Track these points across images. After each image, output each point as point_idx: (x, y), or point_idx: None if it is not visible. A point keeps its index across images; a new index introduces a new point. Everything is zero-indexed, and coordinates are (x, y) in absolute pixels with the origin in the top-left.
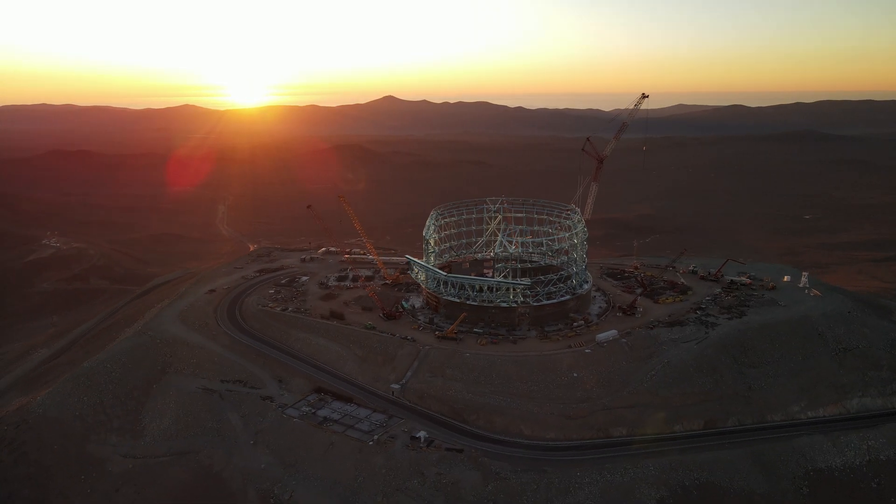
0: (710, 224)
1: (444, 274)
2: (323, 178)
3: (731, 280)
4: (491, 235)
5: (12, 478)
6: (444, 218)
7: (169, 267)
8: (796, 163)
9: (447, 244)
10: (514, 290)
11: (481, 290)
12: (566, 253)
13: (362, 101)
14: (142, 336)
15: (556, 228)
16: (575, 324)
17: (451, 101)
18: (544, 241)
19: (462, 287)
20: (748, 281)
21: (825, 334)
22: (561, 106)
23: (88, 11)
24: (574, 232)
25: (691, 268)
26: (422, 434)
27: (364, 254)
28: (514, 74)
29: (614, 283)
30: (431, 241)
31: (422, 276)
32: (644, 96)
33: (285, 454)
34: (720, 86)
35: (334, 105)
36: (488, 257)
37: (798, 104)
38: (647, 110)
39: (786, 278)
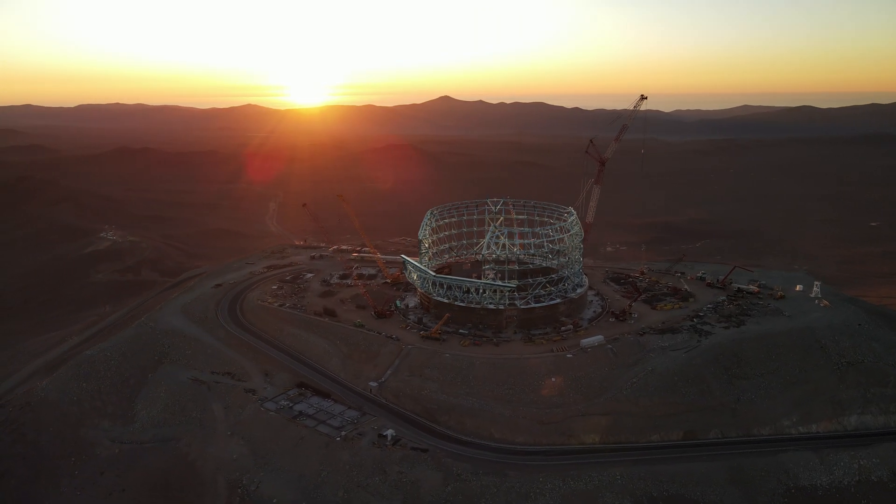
0: (766, 229)
1: (434, 274)
2: (373, 178)
3: (738, 288)
4: (505, 237)
5: (8, 456)
6: (440, 220)
7: (215, 261)
8: (867, 167)
9: (446, 245)
10: (500, 292)
11: (468, 291)
12: (563, 255)
13: (419, 101)
14: (143, 327)
15: (552, 230)
16: (563, 328)
17: (508, 102)
18: (532, 244)
19: (450, 288)
20: (756, 289)
21: (828, 347)
22: (619, 106)
23: (161, 14)
24: (570, 234)
25: (699, 274)
26: (389, 432)
27: (373, 252)
28: (571, 74)
29: (615, 288)
30: (426, 242)
31: (414, 276)
32: (643, 98)
33: (258, 446)
34: (789, 86)
35: (391, 105)
36: (490, 258)
37: (873, 105)
38: (699, 111)
39: (798, 287)
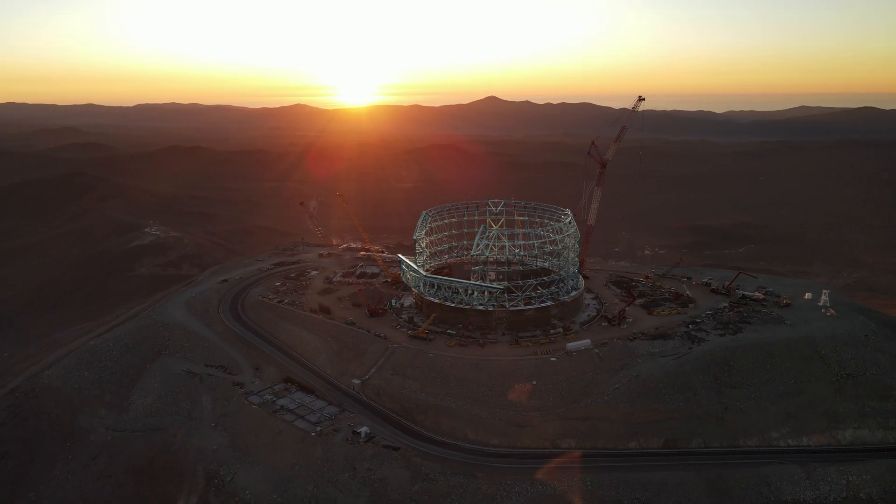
0: (815, 235)
1: (424, 274)
2: (413, 177)
3: (743, 295)
4: (494, 239)
5: (10, 439)
6: (435, 221)
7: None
8: None
9: (446, 245)
10: (488, 293)
11: (456, 291)
12: (558, 256)
13: (465, 101)
14: (147, 319)
15: (546, 231)
16: (552, 331)
17: (554, 103)
18: (523, 245)
19: (441, 288)
20: (761, 296)
21: (828, 357)
22: (668, 107)
23: (217, 16)
24: (566, 235)
25: (705, 280)
26: (363, 430)
27: (382, 251)
28: (619, 74)
29: (616, 292)
30: (423, 243)
31: (409, 276)
32: (640, 99)
33: (238, 438)
34: (851, 86)
35: (437, 105)
36: (490, 260)
37: None
38: (754, 112)
39: (807, 296)
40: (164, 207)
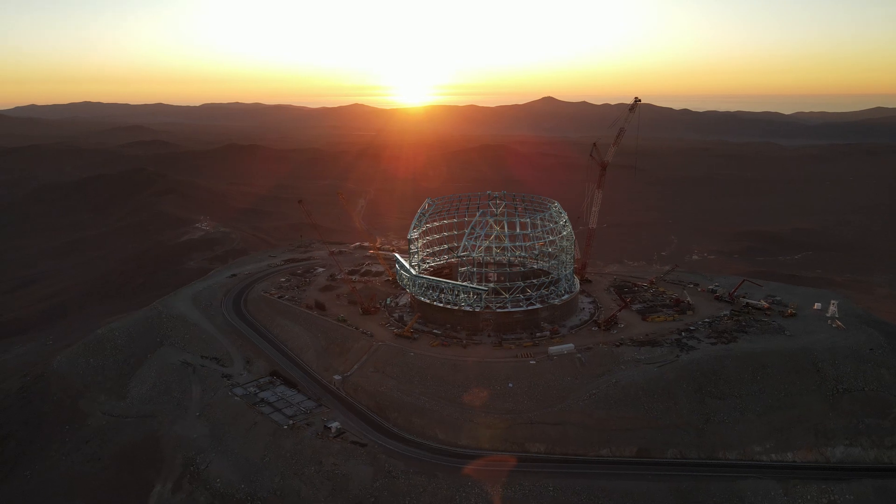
0: (883, 243)
1: (414, 274)
2: (462, 177)
3: (747, 303)
4: (494, 240)
5: (14, 420)
6: (433, 221)
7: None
8: None
9: (446, 245)
10: (473, 294)
11: (443, 291)
12: (553, 256)
13: (521, 101)
14: (153, 310)
15: (543, 231)
16: (538, 334)
17: (612, 103)
18: (508, 246)
19: (429, 288)
20: (766, 305)
21: (824, 371)
22: (733, 108)
23: (280, 18)
24: (561, 235)
25: (711, 287)
26: (334, 425)
27: (392, 250)
28: (680, 74)
29: (616, 298)
30: (419, 242)
31: (401, 275)
32: (637, 100)
33: (217, 428)
34: None
35: (493, 105)
36: (490, 260)
37: None
38: (824, 113)
39: (816, 306)
40: (216, 203)
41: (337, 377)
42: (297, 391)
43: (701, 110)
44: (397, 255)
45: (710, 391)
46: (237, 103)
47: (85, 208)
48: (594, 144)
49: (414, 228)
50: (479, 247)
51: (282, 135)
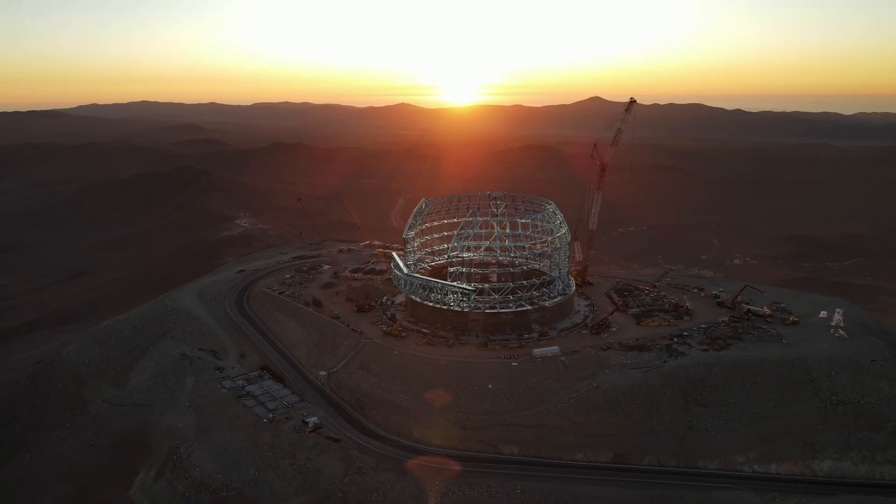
0: None
1: (405, 273)
2: (504, 176)
3: (748, 309)
4: (495, 240)
5: (21, 405)
6: (427, 221)
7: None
8: None
9: (445, 245)
10: (461, 294)
11: (431, 291)
12: (548, 257)
13: (567, 101)
14: (159, 303)
15: (535, 232)
16: (526, 335)
17: (661, 103)
18: (497, 246)
19: (420, 287)
20: (768, 312)
21: (818, 381)
22: (789, 108)
23: (329, 19)
24: (555, 236)
25: (714, 292)
26: (312, 419)
27: (399, 250)
28: (733, 73)
29: (617, 300)
30: (415, 242)
31: (395, 274)
32: (632, 101)
33: (203, 419)
34: None
35: (539, 105)
36: (491, 261)
37: None
38: (888, 114)
39: (822, 314)
40: (257, 200)
41: (322, 373)
42: (284, 386)
43: (755, 111)
44: (395, 253)
45: (695, 398)
46: (286, 103)
47: (134, 204)
48: (594, 145)
49: (410, 228)
50: (469, 247)
51: (328, 134)
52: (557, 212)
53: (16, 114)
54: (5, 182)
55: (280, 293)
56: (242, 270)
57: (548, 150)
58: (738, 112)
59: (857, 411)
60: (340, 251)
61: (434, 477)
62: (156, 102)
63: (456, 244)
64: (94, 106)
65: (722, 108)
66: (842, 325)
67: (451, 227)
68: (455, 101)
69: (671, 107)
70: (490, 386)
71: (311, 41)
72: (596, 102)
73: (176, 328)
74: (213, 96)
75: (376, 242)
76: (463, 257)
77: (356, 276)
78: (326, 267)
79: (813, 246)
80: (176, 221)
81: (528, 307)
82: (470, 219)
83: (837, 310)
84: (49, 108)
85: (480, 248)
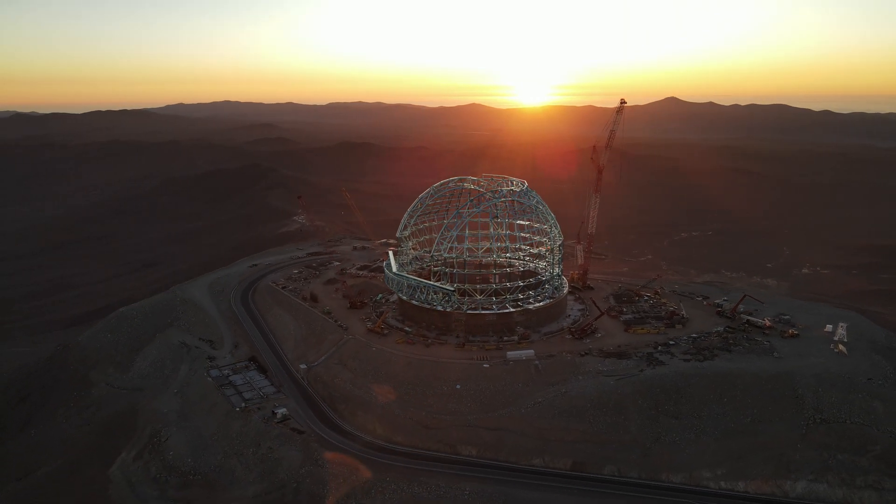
0: None
1: (395, 272)
2: (568, 178)
3: (748, 320)
4: (495, 241)
5: (34, 386)
6: (426, 221)
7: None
8: None
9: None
10: (441, 294)
11: (414, 290)
12: (543, 258)
13: (642, 102)
14: (171, 294)
15: (531, 233)
16: (506, 338)
17: (742, 104)
18: (479, 247)
19: (406, 286)
20: (767, 323)
21: (804, 398)
22: (884, 110)
23: (402, 20)
24: (549, 236)
25: (717, 301)
26: (281, 411)
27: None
28: (821, 72)
29: (612, 305)
30: (409, 242)
31: (386, 273)
32: (623, 102)
33: (186, 405)
34: None
35: (612, 106)
36: (492, 261)
37: None
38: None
39: (827, 328)
40: (318, 198)
41: (302, 366)
42: (266, 377)
43: (845, 112)
44: (390, 252)
45: (666, 409)
46: (360, 102)
47: (205, 199)
48: (594, 147)
49: (404, 227)
50: (450, 248)
51: (398, 133)
52: (550, 213)
53: (109, 112)
54: (94, 176)
55: (283, 288)
56: (255, 265)
57: (613, 152)
58: (827, 113)
59: (842, 432)
60: (355, 249)
61: (387, 473)
62: (237, 102)
63: (440, 245)
64: (181, 105)
65: (809, 109)
66: (844, 339)
67: (439, 228)
68: (527, 102)
69: (753, 107)
70: (458, 387)
71: (386, 42)
72: (672, 103)
73: (182, 318)
74: (290, 96)
75: (392, 241)
76: (444, 257)
77: (361, 273)
78: (336, 263)
79: (891, 256)
80: (241, 216)
81: (512, 309)
82: (453, 220)
83: (841, 324)
84: (139, 108)
85: (479, 249)
